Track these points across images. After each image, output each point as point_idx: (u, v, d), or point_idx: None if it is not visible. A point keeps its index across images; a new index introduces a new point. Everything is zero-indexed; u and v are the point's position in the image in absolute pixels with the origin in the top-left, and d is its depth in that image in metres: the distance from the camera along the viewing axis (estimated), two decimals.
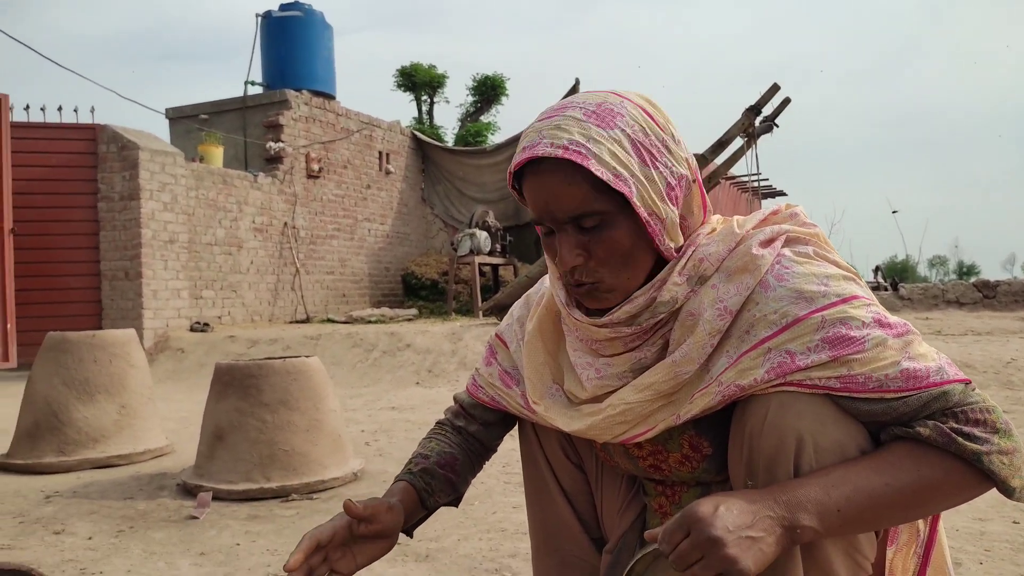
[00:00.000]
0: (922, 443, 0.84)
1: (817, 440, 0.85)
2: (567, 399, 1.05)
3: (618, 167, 0.88)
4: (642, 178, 0.89)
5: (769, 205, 1.09)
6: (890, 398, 0.85)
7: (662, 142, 0.92)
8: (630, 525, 1.14)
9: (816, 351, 0.86)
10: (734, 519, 0.79)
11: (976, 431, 0.84)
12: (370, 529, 1.02)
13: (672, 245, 0.94)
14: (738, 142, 7.08)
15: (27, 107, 7.47)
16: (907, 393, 0.85)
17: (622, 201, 0.90)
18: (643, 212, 0.90)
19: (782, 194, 15.91)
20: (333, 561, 1.00)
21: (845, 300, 0.88)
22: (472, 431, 1.21)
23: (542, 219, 0.94)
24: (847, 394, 0.86)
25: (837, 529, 0.84)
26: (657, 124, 0.92)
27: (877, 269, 11.29)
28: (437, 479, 1.14)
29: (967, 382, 0.86)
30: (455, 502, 1.21)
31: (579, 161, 0.87)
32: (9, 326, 6.56)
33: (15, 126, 7.00)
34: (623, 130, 0.90)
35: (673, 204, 0.92)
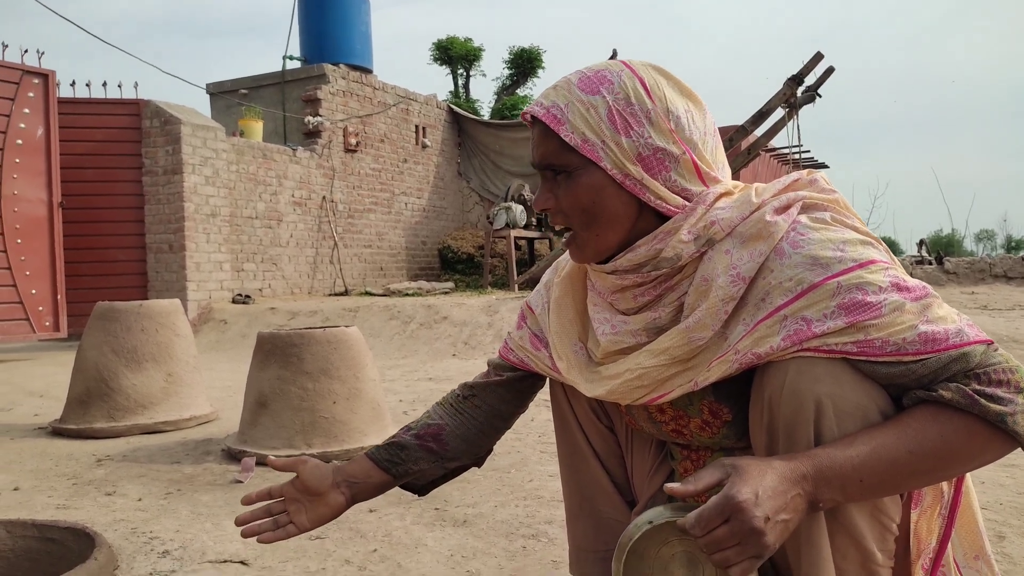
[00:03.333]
0: (945, 406, 0.84)
1: (837, 404, 0.86)
2: (588, 356, 1.08)
3: (587, 131, 0.96)
4: (611, 142, 0.95)
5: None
6: (908, 361, 0.85)
7: (645, 115, 0.96)
8: (659, 488, 1.17)
9: (832, 317, 0.86)
10: (772, 504, 0.79)
11: (999, 392, 0.83)
12: (298, 484, 1.17)
13: (665, 204, 0.96)
14: (779, 113, 6.94)
15: (73, 83, 7.62)
16: (925, 356, 0.84)
17: (590, 159, 0.97)
18: (614, 171, 0.96)
19: (824, 166, 15.56)
20: (292, 514, 1.17)
21: (861, 265, 0.88)
22: (487, 395, 1.26)
23: (534, 163, 1.04)
24: (864, 358, 0.86)
25: (859, 497, 0.85)
26: (650, 97, 0.96)
27: (921, 243, 11.03)
28: (409, 449, 1.24)
29: (989, 343, 0.86)
30: (478, 463, 1.31)
31: (552, 125, 0.97)
32: (59, 297, 6.76)
33: (62, 102, 7.15)
34: (604, 97, 0.96)
35: (647, 171, 0.96)
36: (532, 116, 1.01)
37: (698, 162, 0.97)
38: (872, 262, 0.88)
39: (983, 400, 0.82)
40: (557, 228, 1.18)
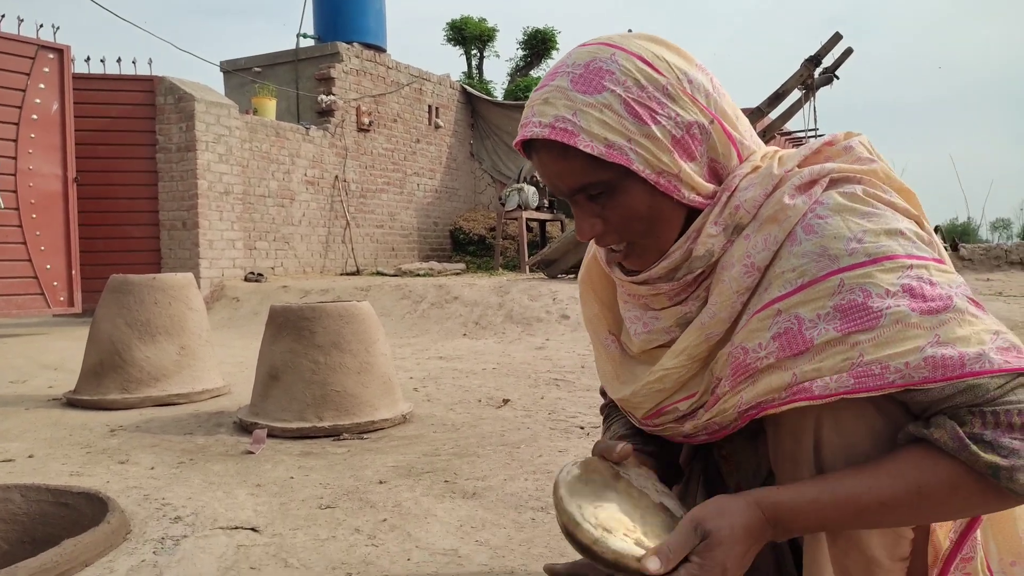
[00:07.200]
0: (932, 447, 0.75)
1: (834, 440, 0.81)
2: (622, 349, 1.04)
3: (610, 135, 0.83)
4: (641, 139, 0.84)
5: None
6: (915, 389, 0.76)
7: (663, 91, 0.85)
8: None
9: (825, 320, 0.79)
10: (737, 563, 0.78)
11: (1005, 439, 0.72)
12: None
13: (697, 196, 0.88)
14: (796, 95, 6.87)
15: (88, 59, 7.63)
16: (934, 384, 0.74)
17: (624, 167, 0.85)
18: (649, 174, 0.85)
19: None
20: None
21: (875, 260, 0.79)
22: None
23: (553, 193, 0.92)
24: (865, 393, 0.77)
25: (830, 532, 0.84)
26: (657, 71, 0.86)
27: (937, 230, 10.92)
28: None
29: (1018, 373, 0.73)
30: None
31: (566, 140, 0.84)
32: (74, 272, 6.81)
33: (77, 77, 7.16)
34: (612, 91, 0.84)
35: (684, 156, 0.86)
36: (534, 139, 0.87)
37: (730, 130, 0.89)
38: (889, 258, 0.79)
39: (975, 446, 0.72)
40: (614, 248, 0.98)
